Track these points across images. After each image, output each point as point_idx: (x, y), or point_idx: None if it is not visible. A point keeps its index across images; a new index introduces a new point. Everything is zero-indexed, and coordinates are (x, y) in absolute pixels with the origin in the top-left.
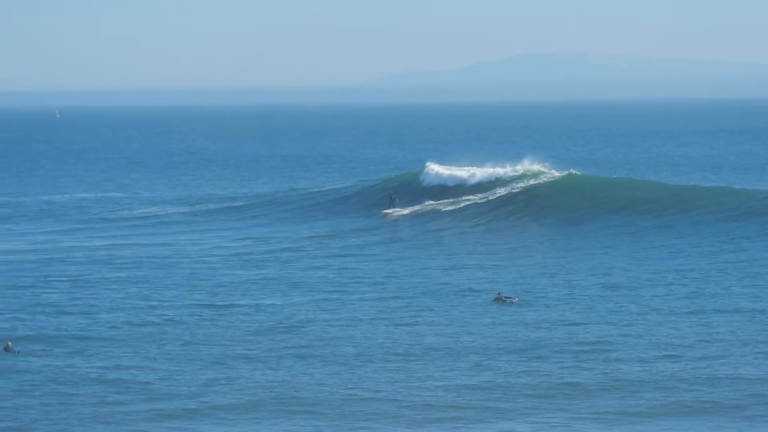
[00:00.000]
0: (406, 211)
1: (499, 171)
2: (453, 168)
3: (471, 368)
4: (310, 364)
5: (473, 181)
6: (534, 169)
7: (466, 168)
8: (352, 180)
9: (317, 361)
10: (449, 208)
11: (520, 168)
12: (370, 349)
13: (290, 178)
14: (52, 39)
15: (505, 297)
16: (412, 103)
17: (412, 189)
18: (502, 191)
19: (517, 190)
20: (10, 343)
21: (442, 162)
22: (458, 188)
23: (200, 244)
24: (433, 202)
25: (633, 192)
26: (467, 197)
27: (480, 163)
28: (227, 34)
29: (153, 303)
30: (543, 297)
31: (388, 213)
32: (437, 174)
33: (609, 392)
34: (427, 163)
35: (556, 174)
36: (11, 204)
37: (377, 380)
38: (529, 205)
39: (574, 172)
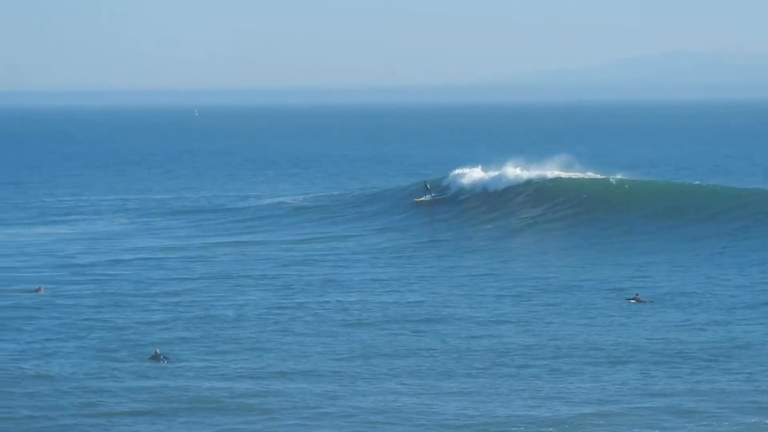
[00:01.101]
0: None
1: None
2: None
3: (613, 372)
4: (461, 363)
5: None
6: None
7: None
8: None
9: (466, 362)
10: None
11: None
12: (516, 350)
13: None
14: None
15: (643, 298)
16: (552, 101)
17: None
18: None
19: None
20: (158, 351)
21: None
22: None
23: (337, 240)
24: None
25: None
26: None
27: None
28: (365, 33)
29: (298, 302)
30: (681, 296)
31: (422, 201)
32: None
33: (752, 397)
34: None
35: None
36: (139, 200)
37: (517, 379)
38: (614, 205)
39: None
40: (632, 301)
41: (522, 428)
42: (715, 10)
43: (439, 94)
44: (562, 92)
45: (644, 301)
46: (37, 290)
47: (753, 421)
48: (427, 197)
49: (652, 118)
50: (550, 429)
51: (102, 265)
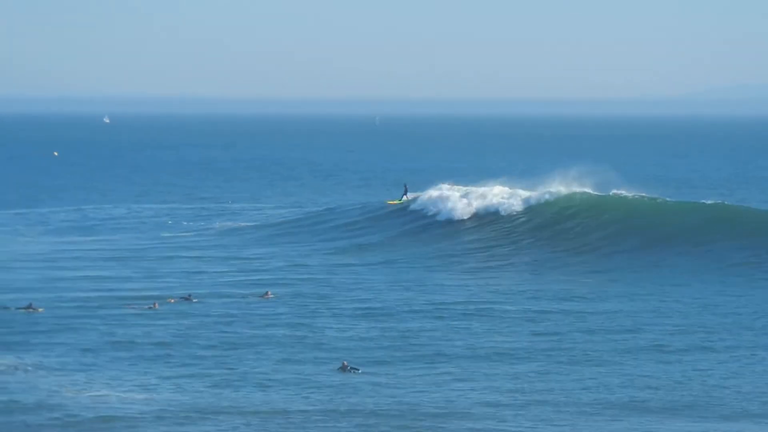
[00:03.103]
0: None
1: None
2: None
3: None
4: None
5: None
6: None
7: None
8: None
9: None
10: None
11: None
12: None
13: None
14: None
15: None
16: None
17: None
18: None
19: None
20: (345, 363)
21: None
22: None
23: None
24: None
25: None
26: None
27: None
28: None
29: (484, 313)
30: None
31: (394, 202)
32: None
33: None
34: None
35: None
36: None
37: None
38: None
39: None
40: None
41: None
42: None
43: (631, 106)
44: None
45: None
46: (265, 295)
47: None
48: (403, 199)
49: None
50: None
51: (286, 269)
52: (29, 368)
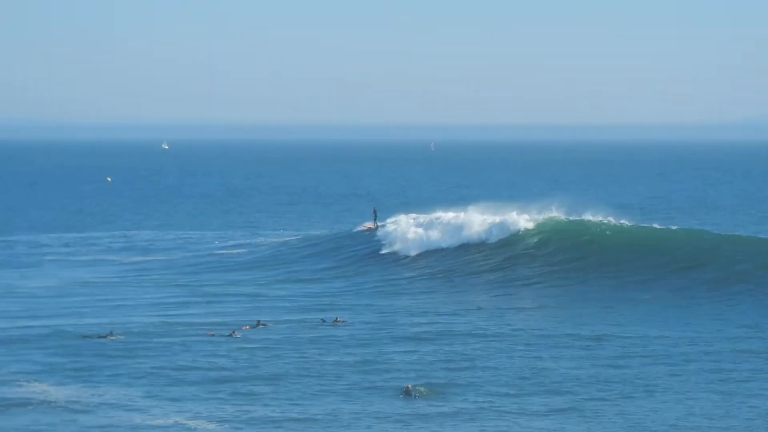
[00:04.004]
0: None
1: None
2: None
3: None
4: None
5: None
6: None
7: None
8: None
9: None
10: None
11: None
12: None
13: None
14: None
15: None
16: None
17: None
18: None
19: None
20: (410, 386)
21: None
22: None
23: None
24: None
25: None
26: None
27: None
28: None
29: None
30: None
31: (369, 228)
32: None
33: None
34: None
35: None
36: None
37: None
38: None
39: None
40: None
41: None
42: None
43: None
44: None
45: None
46: (335, 321)
47: None
48: (374, 224)
49: None
50: None
51: (344, 291)
52: (98, 396)
